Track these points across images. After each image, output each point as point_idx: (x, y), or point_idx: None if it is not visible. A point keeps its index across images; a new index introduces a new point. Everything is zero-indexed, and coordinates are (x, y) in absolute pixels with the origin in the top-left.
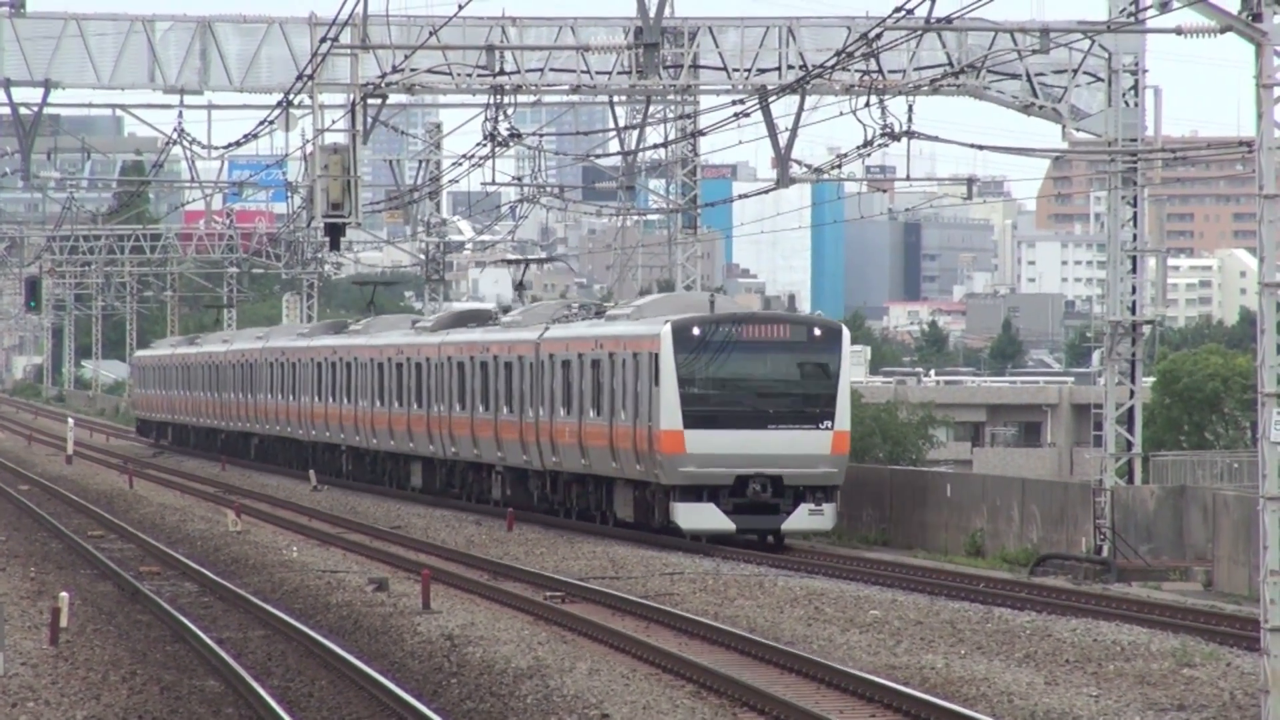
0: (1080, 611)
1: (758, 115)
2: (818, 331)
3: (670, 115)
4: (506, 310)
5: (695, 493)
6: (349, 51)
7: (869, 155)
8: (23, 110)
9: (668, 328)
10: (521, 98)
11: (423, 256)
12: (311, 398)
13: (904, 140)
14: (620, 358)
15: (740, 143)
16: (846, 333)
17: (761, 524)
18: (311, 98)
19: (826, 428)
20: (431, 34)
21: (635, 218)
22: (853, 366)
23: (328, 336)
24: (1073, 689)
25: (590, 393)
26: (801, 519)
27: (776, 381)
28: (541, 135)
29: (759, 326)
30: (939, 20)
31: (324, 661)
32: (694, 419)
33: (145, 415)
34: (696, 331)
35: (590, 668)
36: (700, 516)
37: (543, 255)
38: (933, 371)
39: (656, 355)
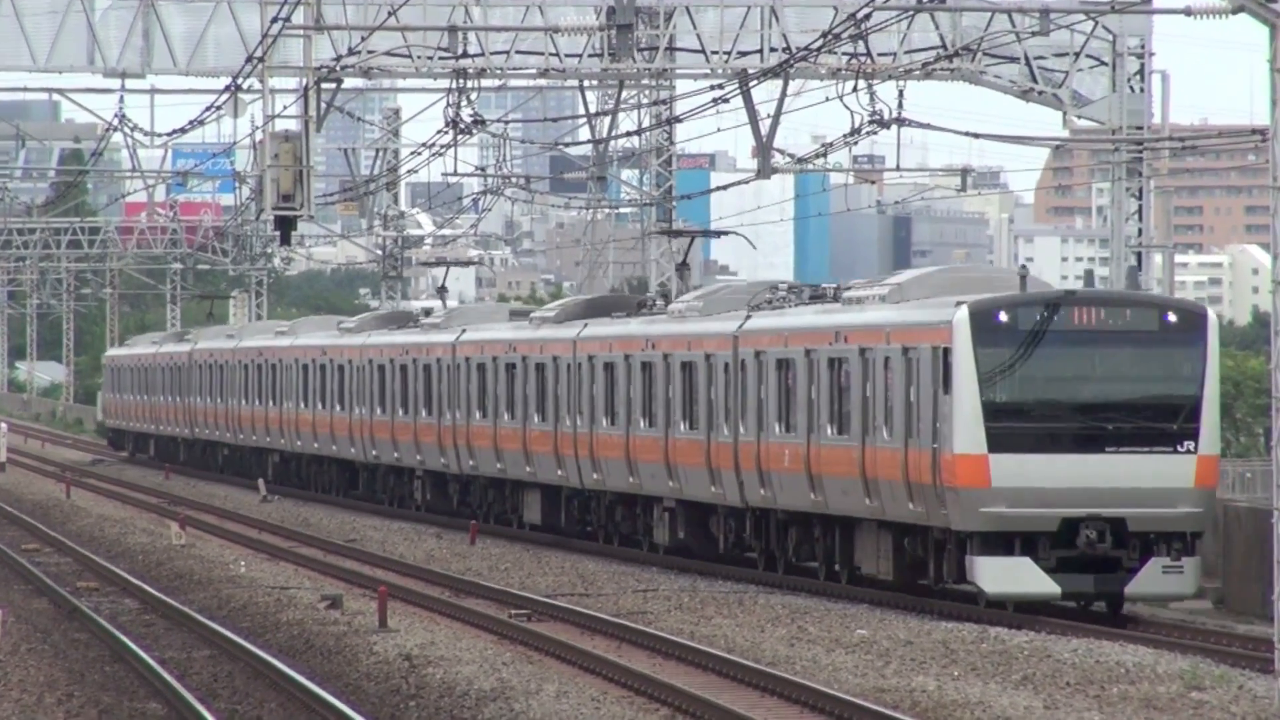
0: (1081, 631)
1: (738, 101)
2: (1173, 317)
3: (644, 101)
4: (664, 299)
5: (1003, 542)
6: (302, 32)
7: (856, 144)
8: None
9: (963, 312)
10: (486, 82)
11: (379, 252)
12: (411, 410)
13: (894, 128)
14: (879, 355)
15: (719, 130)
16: (1213, 318)
17: (1097, 586)
18: (261, 81)
19: (1188, 451)
20: (390, 14)
21: (606, 210)
22: None
23: (387, 333)
24: (1074, 713)
25: (826, 403)
26: (1153, 579)
27: (1119, 386)
28: (507, 122)
29: (1093, 310)
30: (932, 0)
31: (273, 683)
32: (1002, 440)
33: (120, 425)
34: (1004, 317)
35: (558, 690)
36: (1011, 575)
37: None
38: None
39: (946, 351)
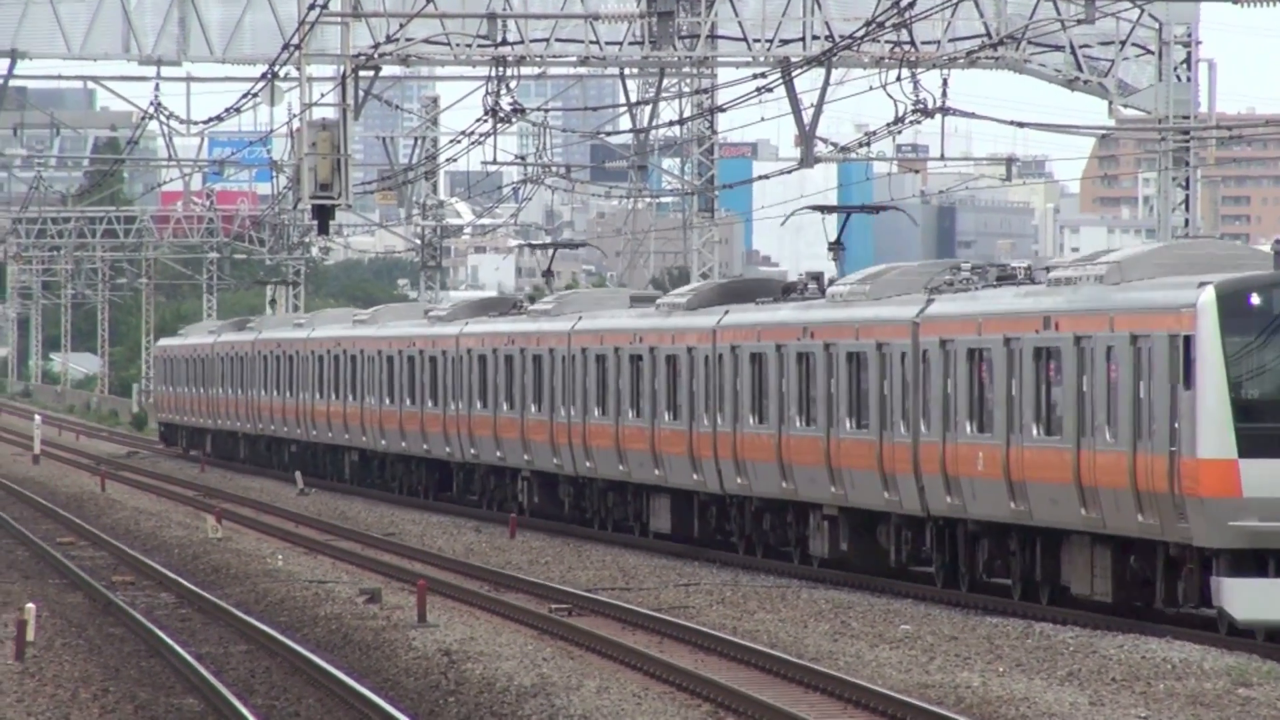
0: (1127, 627)
1: (780, 90)
2: None
3: (686, 89)
4: (817, 283)
5: (1255, 561)
6: (339, 19)
7: (900, 133)
8: None
9: (1208, 294)
10: (525, 70)
11: (418, 241)
12: (517, 406)
13: (938, 117)
14: (1098, 345)
15: (761, 119)
16: None
17: None
18: (299, 69)
19: None
20: (429, 1)
21: (647, 200)
22: None
23: (486, 320)
24: (1120, 709)
25: (1031, 399)
26: None
27: None
28: (547, 110)
29: None
30: None
31: (311, 679)
32: (1255, 443)
33: (173, 419)
34: (1258, 300)
35: (599, 686)
36: (1267, 600)
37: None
38: None
39: (1187, 339)
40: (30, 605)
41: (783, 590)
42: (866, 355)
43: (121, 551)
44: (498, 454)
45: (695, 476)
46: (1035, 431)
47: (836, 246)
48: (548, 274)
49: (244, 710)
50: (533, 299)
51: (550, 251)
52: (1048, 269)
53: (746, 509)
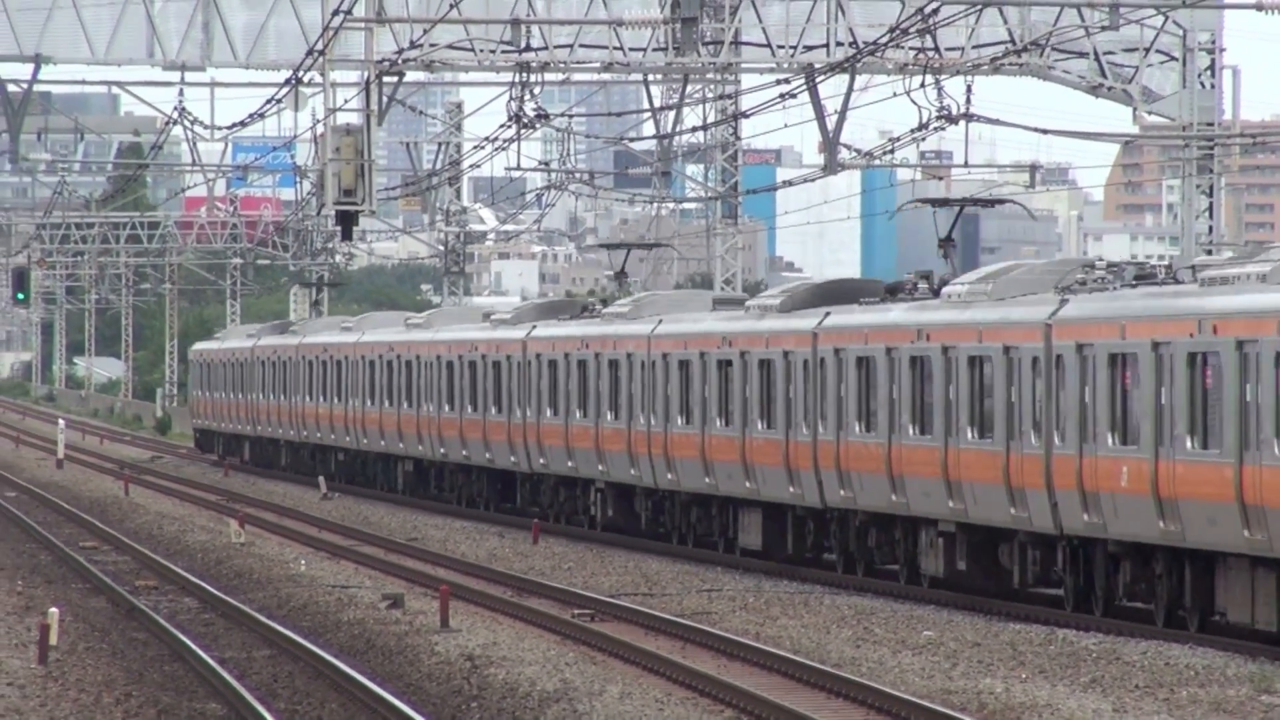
0: (1150, 633)
1: (804, 96)
2: None
3: (709, 95)
4: (926, 282)
5: None
6: (363, 25)
7: (924, 140)
8: (11, 87)
9: None
10: (549, 76)
11: (441, 247)
12: (592, 414)
13: (962, 124)
14: (1266, 349)
15: (785, 125)
16: None
17: None
18: (323, 75)
19: None
20: (452, 6)
21: (671, 206)
22: None
23: (556, 324)
24: (1143, 716)
25: (1185, 407)
26: None
27: None
28: (570, 116)
29: None
30: None
31: (334, 683)
32: None
33: (208, 425)
34: None
35: (622, 691)
36: None
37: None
38: None
39: None
40: (54, 609)
41: (805, 596)
42: (990, 359)
43: (145, 556)
44: (569, 464)
45: (792, 489)
46: (1189, 444)
47: (947, 243)
48: (620, 275)
49: (267, 715)
50: (605, 301)
51: (624, 252)
52: (1194, 268)
53: (850, 523)
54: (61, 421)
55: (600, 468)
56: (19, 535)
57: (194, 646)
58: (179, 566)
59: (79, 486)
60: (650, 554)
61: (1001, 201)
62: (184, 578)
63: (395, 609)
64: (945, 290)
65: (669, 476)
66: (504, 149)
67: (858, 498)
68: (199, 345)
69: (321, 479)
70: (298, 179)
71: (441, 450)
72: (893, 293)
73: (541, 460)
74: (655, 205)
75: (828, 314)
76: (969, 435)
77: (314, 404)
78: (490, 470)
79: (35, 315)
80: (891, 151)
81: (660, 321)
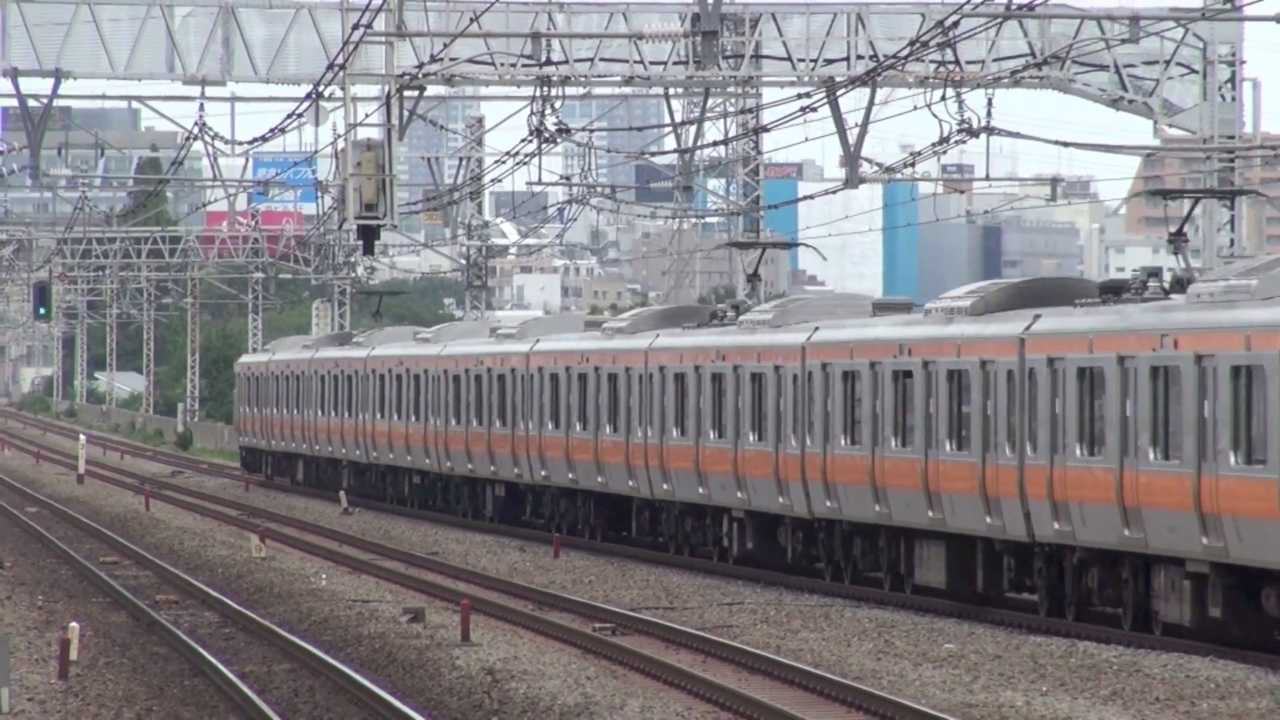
0: (1171, 646)
1: (825, 109)
2: None
3: (730, 109)
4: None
5: None
6: (384, 39)
7: (945, 153)
8: (31, 102)
9: None
10: (570, 90)
11: (463, 261)
12: (731, 434)
13: (983, 137)
14: None
15: (806, 139)
16: None
17: None
18: (343, 89)
19: None
20: (473, 20)
21: (693, 220)
22: None
23: (681, 334)
24: None
25: None
26: None
27: None
28: (592, 130)
29: None
30: (1020, 7)
31: (355, 698)
32: None
33: (257, 444)
34: None
35: (643, 705)
36: None
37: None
38: None
39: None
40: (74, 624)
41: (826, 609)
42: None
43: (165, 571)
44: (700, 490)
45: (987, 520)
46: (1152, 456)
47: (1178, 238)
48: (754, 277)
49: None
50: (737, 308)
51: (758, 252)
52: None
53: (1071, 560)
54: (82, 437)
55: (740, 494)
56: (40, 550)
57: (215, 661)
58: (200, 581)
59: (100, 502)
60: (670, 568)
61: (1241, 193)
62: (205, 592)
63: (416, 623)
64: (1193, 289)
65: (828, 503)
66: (525, 163)
67: (1076, 532)
68: (246, 358)
69: (342, 493)
70: (319, 193)
71: (543, 473)
72: (1115, 292)
73: (665, 485)
74: (677, 219)
75: (1037, 317)
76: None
77: (385, 422)
78: (600, 495)
79: (56, 330)
80: (913, 165)
81: (816, 330)
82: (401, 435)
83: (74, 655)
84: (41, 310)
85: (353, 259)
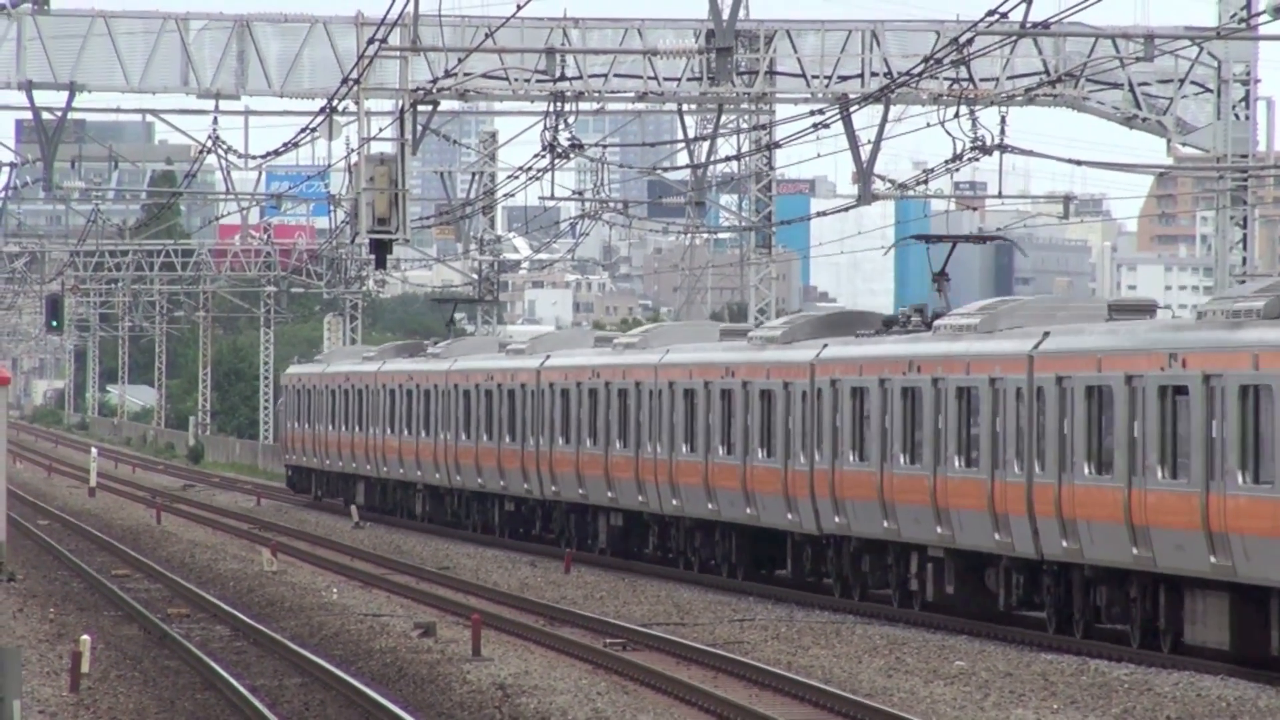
0: (1182, 665)
1: (838, 126)
2: None
3: (744, 125)
4: None
5: None
6: (398, 54)
7: (958, 170)
8: (45, 115)
9: None
10: (583, 105)
11: (475, 276)
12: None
13: (996, 154)
14: None
15: (819, 156)
16: None
17: None
18: (357, 103)
19: None
20: (487, 36)
21: (705, 236)
22: None
23: (846, 343)
24: None
25: None
26: None
27: None
28: (605, 146)
29: None
30: (1035, 25)
31: (365, 711)
32: None
33: (306, 463)
34: None
35: None
36: None
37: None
38: None
39: None
40: (85, 637)
41: (837, 626)
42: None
43: (177, 584)
44: (884, 523)
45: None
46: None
47: (941, 277)
48: (940, 275)
49: None
50: (920, 311)
51: (947, 248)
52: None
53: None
54: (94, 450)
55: (940, 529)
56: (52, 563)
57: (226, 674)
58: (211, 594)
59: (111, 515)
60: (682, 583)
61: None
62: (216, 605)
63: (427, 637)
64: (937, 323)
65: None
66: (538, 178)
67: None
68: (295, 369)
69: (354, 508)
70: (332, 208)
71: (674, 501)
72: (888, 325)
73: (839, 519)
74: (689, 235)
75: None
76: (956, 464)
77: (472, 443)
78: (741, 527)
79: (68, 343)
80: (925, 182)
81: (1047, 337)
82: (492, 458)
83: (85, 668)
84: (53, 323)
85: (365, 273)
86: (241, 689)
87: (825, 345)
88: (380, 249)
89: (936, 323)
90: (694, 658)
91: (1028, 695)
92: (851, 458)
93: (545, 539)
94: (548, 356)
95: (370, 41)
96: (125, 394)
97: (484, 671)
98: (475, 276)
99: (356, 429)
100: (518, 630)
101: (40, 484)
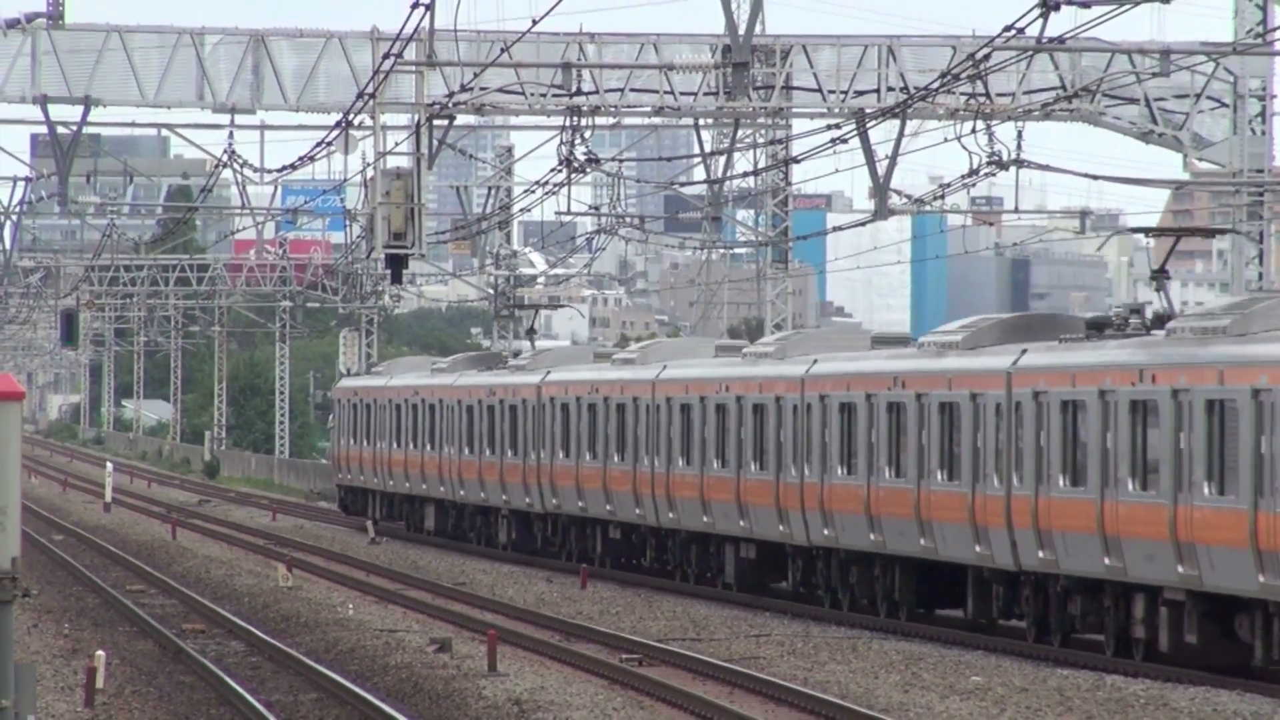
0: (1199, 679)
1: (855, 141)
2: None
3: (760, 140)
4: None
5: None
6: (414, 68)
7: (974, 185)
8: (60, 129)
9: None
10: (600, 120)
11: (491, 291)
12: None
13: (1012, 169)
14: None
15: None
16: None
17: None
18: (373, 118)
19: None
20: (503, 50)
21: (721, 251)
22: None
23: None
24: None
25: None
26: None
27: None
28: (621, 161)
29: None
30: (1051, 40)
31: None
32: None
33: (362, 483)
34: None
35: None
36: None
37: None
38: None
39: None
40: (100, 652)
41: (853, 641)
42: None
43: (192, 599)
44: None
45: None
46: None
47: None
48: (1161, 273)
49: None
50: (1139, 310)
51: (1170, 242)
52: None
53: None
54: (109, 464)
55: (743, 523)
56: (66, 578)
57: (241, 690)
58: (226, 610)
59: (126, 529)
60: (698, 599)
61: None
62: (231, 621)
63: (443, 653)
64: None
65: (1040, 555)
66: (554, 193)
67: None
68: (349, 381)
69: (369, 523)
70: (347, 222)
71: (826, 530)
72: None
73: (1044, 554)
74: (706, 250)
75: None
76: (939, 477)
77: (571, 462)
78: (917, 560)
79: (84, 357)
80: (942, 197)
81: (815, 362)
82: (596, 479)
83: (100, 684)
84: (68, 338)
85: (380, 288)
86: (257, 705)
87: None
88: (396, 264)
89: (1171, 324)
90: (710, 673)
91: (1044, 711)
92: (840, 471)
93: (651, 569)
94: (664, 366)
95: (386, 56)
96: (140, 409)
97: (500, 687)
98: (491, 291)
99: (427, 447)
100: (533, 646)
101: (55, 499)
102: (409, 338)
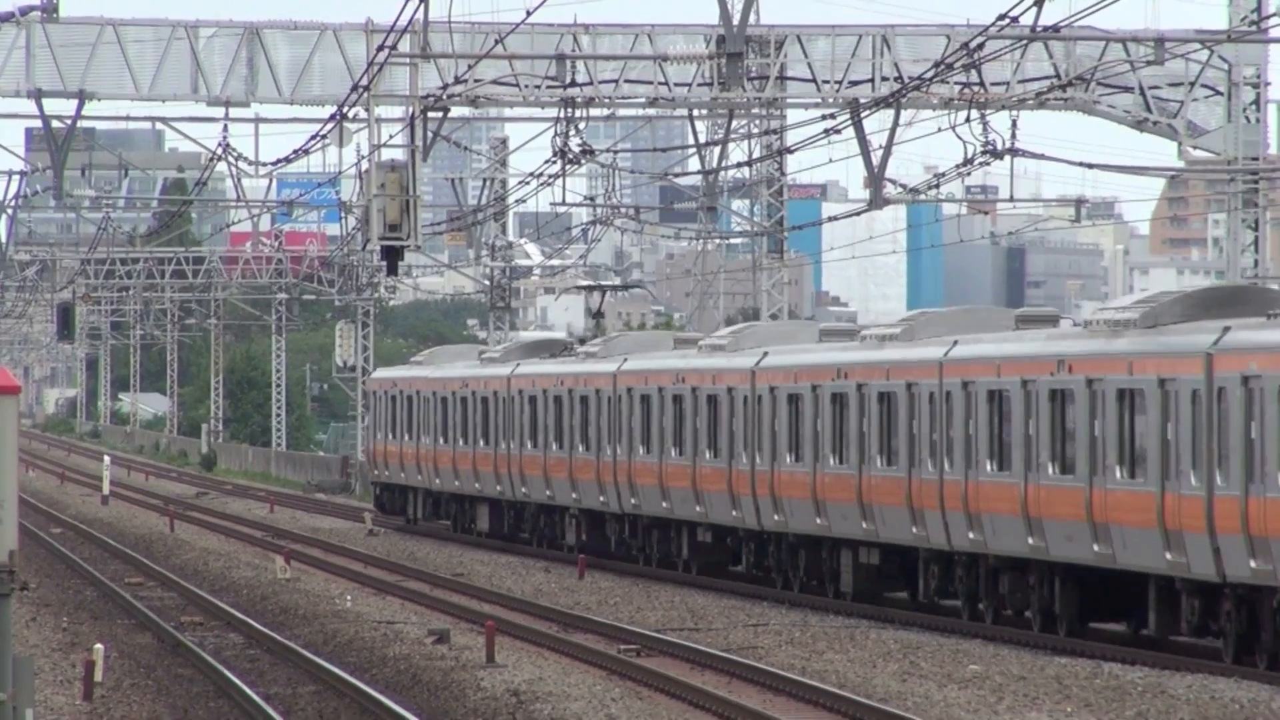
0: (1196, 667)
1: (849, 131)
2: None
3: (755, 130)
4: None
5: None
6: (408, 60)
7: (969, 174)
8: (55, 123)
9: None
10: (594, 111)
11: (486, 282)
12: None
13: (1007, 158)
14: None
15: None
16: None
17: None
18: (367, 110)
19: None
20: (497, 42)
21: (716, 241)
22: None
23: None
24: None
25: None
26: None
27: None
28: (616, 151)
29: None
30: (1045, 29)
31: (380, 719)
32: None
33: (398, 480)
34: None
35: None
36: None
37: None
38: None
39: None
40: (99, 645)
41: (851, 630)
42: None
43: (190, 592)
44: (774, 516)
45: None
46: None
47: (597, 316)
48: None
49: None
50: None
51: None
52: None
53: None
54: (107, 458)
55: (698, 508)
56: (64, 571)
57: (239, 683)
58: (224, 602)
59: (124, 523)
60: (696, 589)
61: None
62: (229, 614)
63: (441, 644)
64: (863, 333)
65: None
66: (549, 184)
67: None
68: (384, 372)
69: (367, 514)
70: (342, 214)
71: (778, 515)
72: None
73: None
74: (701, 240)
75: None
76: (878, 464)
77: (654, 458)
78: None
79: (80, 351)
80: (937, 186)
81: (766, 354)
82: (685, 477)
83: (98, 677)
84: (64, 331)
85: (376, 280)
86: (255, 697)
87: (766, 353)
88: (392, 255)
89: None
90: (708, 663)
91: (1042, 699)
92: (788, 459)
93: (736, 574)
94: (766, 353)
95: (380, 48)
96: (137, 402)
97: (498, 678)
98: (486, 283)
99: (480, 442)
100: (532, 637)
101: (53, 492)
102: (405, 329)
